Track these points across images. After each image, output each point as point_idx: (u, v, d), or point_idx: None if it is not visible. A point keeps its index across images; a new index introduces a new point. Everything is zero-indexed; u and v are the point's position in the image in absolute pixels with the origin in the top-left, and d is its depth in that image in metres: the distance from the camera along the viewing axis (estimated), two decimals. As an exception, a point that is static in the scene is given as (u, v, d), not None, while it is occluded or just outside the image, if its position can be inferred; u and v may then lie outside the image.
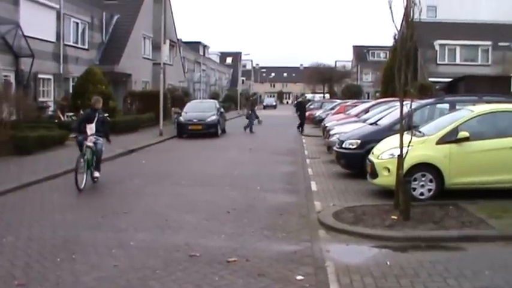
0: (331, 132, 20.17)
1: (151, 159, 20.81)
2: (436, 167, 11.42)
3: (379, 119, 17.17)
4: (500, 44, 46.57)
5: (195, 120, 30.88)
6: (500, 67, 43.94)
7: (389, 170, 11.42)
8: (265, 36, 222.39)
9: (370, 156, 12.68)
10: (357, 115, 24.37)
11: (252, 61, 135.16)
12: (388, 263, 7.62)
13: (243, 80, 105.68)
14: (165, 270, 7.44)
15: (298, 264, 7.67)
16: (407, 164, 10.41)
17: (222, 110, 35.47)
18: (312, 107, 48.67)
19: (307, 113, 44.30)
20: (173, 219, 10.50)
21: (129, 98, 37.97)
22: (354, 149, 15.02)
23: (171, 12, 52.11)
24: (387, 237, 8.79)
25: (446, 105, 15.56)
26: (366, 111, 23.88)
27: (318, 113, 39.35)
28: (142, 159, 20.86)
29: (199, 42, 79.02)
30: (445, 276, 7.00)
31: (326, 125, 24.33)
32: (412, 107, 10.44)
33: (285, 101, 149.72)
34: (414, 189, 11.24)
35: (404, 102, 10.02)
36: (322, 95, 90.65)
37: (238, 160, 20.44)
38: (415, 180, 11.30)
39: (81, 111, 22.33)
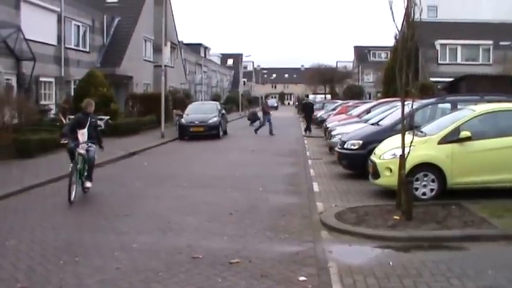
0: (333, 133, 20.17)
1: (153, 162, 20.81)
2: (438, 166, 11.42)
3: (381, 120, 17.17)
4: (502, 43, 46.54)
5: (196, 122, 30.87)
6: (502, 66, 43.90)
7: (391, 170, 11.43)
8: (266, 37, 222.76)
9: (372, 157, 12.68)
10: (358, 115, 24.35)
11: (253, 62, 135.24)
12: (390, 263, 7.61)
13: (244, 82, 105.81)
14: (168, 272, 7.43)
15: (300, 265, 7.67)
16: (409, 164, 10.41)
17: (223, 111, 35.46)
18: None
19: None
20: (175, 221, 10.50)
21: (130, 101, 37.98)
22: (355, 149, 15.02)
23: (172, 15, 52.15)
24: (390, 238, 8.79)
25: (448, 105, 15.55)
26: (368, 111, 23.86)
27: (320, 113, 39.30)
28: (144, 161, 20.86)
29: (200, 44, 79.03)
30: (448, 276, 6.99)
31: (328, 125, 24.31)
32: (414, 107, 10.43)
33: (286, 102, 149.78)
34: (416, 189, 11.24)
35: (405, 102, 10.02)
36: (323, 95, 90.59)
37: (240, 161, 20.43)
38: (417, 180, 11.31)
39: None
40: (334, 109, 36.45)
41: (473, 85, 24.28)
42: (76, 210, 11.51)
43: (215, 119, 31.42)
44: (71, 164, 12.65)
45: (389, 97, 27.98)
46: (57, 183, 14.97)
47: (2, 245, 8.85)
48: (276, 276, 7.23)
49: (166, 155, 23.59)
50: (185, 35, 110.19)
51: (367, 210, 10.45)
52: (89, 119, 13.15)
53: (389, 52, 61.24)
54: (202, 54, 77.67)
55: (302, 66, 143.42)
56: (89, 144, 12.99)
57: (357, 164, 14.77)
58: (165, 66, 34.64)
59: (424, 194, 11.47)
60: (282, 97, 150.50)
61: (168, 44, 44.25)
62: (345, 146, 15.45)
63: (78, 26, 34.73)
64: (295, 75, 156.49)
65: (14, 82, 26.33)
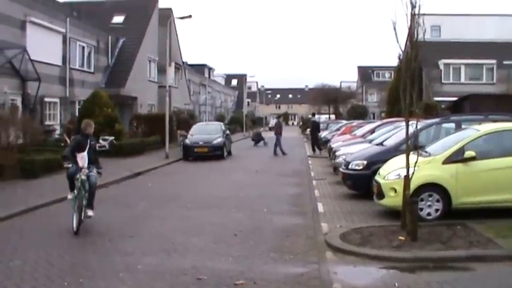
0: (337, 153, 20.17)
1: (157, 182, 20.82)
2: (443, 187, 11.40)
3: (385, 140, 17.16)
4: (505, 62, 46.61)
5: (201, 143, 30.90)
6: (505, 85, 43.94)
7: (395, 191, 11.41)
8: (270, 58, 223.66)
9: (377, 177, 12.66)
10: (362, 136, 24.34)
11: (257, 83, 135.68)
12: (396, 284, 7.58)
13: (248, 102, 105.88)
14: (173, 293, 7.41)
15: (305, 287, 7.65)
16: (413, 185, 10.39)
17: (227, 132, 35.51)
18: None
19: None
20: (180, 242, 10.48)
21: (135, 121, 38.07)
22: (360, 170, 15.00)
23: (176, 35, 52.44)
24: (395, 258, 8.75)
25: (452, 125, 15.55)
26: (372, 131, 23.85)
27: (324, 134, 39.28)
28: (148, 182, 20.87)
29: (204, 65, 79.33)
30: (454, 297, 6.96)
31: (332, 146, 24.31)
32: (418, 127, 10.43)
33: (290, 122, 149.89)
34: (421, 209, 11.21)
35: (409, 122, 10.03)
36: (327, 115, 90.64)
37: (244, 182, 20.42)
38: (421, 200, 11.28)
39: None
40: (338, 129, 36.44)
41: (477, 104, 24.25)
42: (80, 231, 11.49)
43: (219, 140, 31.47)
44: (70, 196, 11.86)
45: (393, 117, 27.99)
46: (61, 203, 14.94)
47: (7, 266, 8.84)
48: (281, 298, 7.20)
49: (170, 175, 23.59)
50: (189, 56, 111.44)
51: (372, 230, 10.42)
52: (89, 141, 12.09)
53: (393, 72, 61.35)
54: (206, 75, 77.92)
55: (306, 86, 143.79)
56: (90, 168, 11.92)
57: (361, 184, 14.74)
58: (170, 86, 34.72)
59: (429, 214, 11.43)
60: (286, 117, 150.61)
61: (173, 64, 44.40)
62: (350, 167, 15.43)
63: (83, 47, 34.94)
64: (299, 96, 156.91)
65: (19, 102, 26.43)
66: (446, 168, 11.50)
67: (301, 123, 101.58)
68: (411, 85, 9.78)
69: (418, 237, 9.42)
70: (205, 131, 32.90)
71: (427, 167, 11.46)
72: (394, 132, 17.55)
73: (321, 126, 47.60)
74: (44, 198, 15.57)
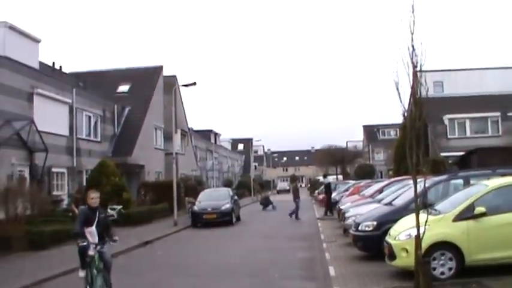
0: (347, 215, 20.05)
1: (167, 251, 20.67)
2: (455, 244, 11.25)
3: (394, 199, 17.07)
4: (510, 114, 46.81)
5: (209, 209, 30.80)
6: (511, 137, 44.01)
7: (407, 251, 11.25)
8: (275, 121, 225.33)
9: (387, 238, 12.52)
10: (371, 195, 24.24)
11: (263, 146, 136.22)
12: None
13: (255, 166, 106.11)
14: None
15: None
16: (425, 244, 10.25)
17: (235, 197, 35.45)
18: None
19: (320, 196, 44.01)
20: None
21: (142, 189, 38.09)
22: (370, 231, 14.85)
23: (182, 102, 52.95)
24: (410, 321, 8.56)
25: (460, 181, 15.47)
26: (380, 191, 23.76)
27: (332, 195, 39.13)
28: (158, 250, 20.73)
29: (210, 131, 79.80)
30: None
31: (341, 207, 24.19)
32: (426, 184, 10.37)
33: (298, 185, 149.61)
34: (434, 268, 11.04)
35: (417, 180, 9.96)
36: (335, 176, 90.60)
37: (254, 248, 20.25)
38: (434, 259, 11.11)
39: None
40: (346, 190, 36.28)
41: (485, 158, 24.15)
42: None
43: (228, 206, 31.38)
44: (81, 274, 10.83)
45: (400, 175, 27.91)
46: (70, 275, 14.79)
47: None
48: None
49: (180, 243, 23.42)
50: (195, 122, 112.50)
51: (385, 292, 10.23)
52: (98, 214, 10.91)
53: (398, 129, 61.53)
54: (212, 141, 78.31)
55: (312, 148, 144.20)
56: (101, 244, 10.79)
57: (372, 245, 14.57)
58: (176, 153, 34.86)
59: (442, 273, 11.25)
60: (293, 180, 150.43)
61: (179, 131, 44.72)
62: (359, 228, 15.29)
63: (90, 117, 35.25)
64: (305, 158, 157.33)
65: (26, 173, 26.51)
66: (457, 225, 11.38)
67: (309, 185, 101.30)
68: (417, 144, 9.77)
69: (432, 297, 9.23)
70: (213, 197, 32.85)
71: (438, 226, 11.33)
72: (403, 191, 17.47)
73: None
74: (52, 270, 15.43)
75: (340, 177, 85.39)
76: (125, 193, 30.41)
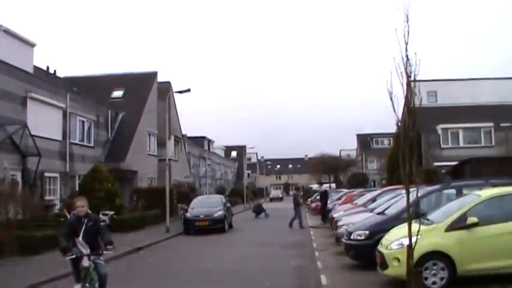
0: (339, 224, 20.06)
1: (159, 257, 20.60)
2: (447, 254, 11.26)
3: (387, 208, 17.10)
4: (502, 124, 46.90)
5: (201, 216, 30.76)
6: (504, 148, 44.20)
7: (399, 260, 11.26)
8: (269, 128, 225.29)
9: (379, 247, 12.52)
10: (364, 204, 24.26)
11: (256, 154, 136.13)
12: None
13: (248, 174, 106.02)
14: None
15: None
16: (417, 253, 10.25)
17: (228, 204, 35.40)
18: (318, 197, 48.43)
19: (313, 205, 44.06)
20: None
21: (135, 195, 37.98)
22: (362, 240, 14.86)
23: (176, 108, 52.93)
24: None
25: (453, 191, 15.51)
26: (373, 200, 23.80)
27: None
28: (149, 257, 20.64)
29: (204, 137, 79.74)
30: None
31: (333, 216, 24.20)
32: (419, 194, 10.38)
33: (291, 193, 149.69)
34: (426, 278, 11.06)
35: (410, 189, 9.97)
36: (328, 184, 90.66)
37: (246, 255, 20.22)
38: (426, 269, 11.13)
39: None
40: (339, 198, 36.31)
41: (478, 168, 24.26)
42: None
43: (220, 213, 31.35)
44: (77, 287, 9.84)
45: (393, 184, 27.95)
46: (61, 280, 14.73)
47: None
48: None
49: (172, 250, 23.37)
50: (189, 129, 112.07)
51: (377, 301, 10.22)
52: (85, 222, 9.96)
53: (391, 139, 61.65)
54: (206, 147, 78.26)
55: (306, 156, 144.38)
56: (94, 257, 9.82)
57: (364, 254, 14.58)
58: (170, 160, 34.82)
59: (434, 283, 11.24)
60: (286, 188, 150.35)
61: (172, 137, 44.66)
62: (352, 237, 15.29)
63: (83, 122, 35.16)
64: (299, 166, 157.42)
65: (19, 178, 26.42)
66: (449, 235, 11.39)
67: (301, 193, 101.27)
68: (410, 153, 9.78)
69: (424, 307, 9.23)
70: (206, 204, 32.80)
71: (430, 235, 11.34)
72: (395, 200, 17.50)
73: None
74: (43, 275, 15.30)
75: (333, 185, 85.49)
76: (117, 199, 30.34)
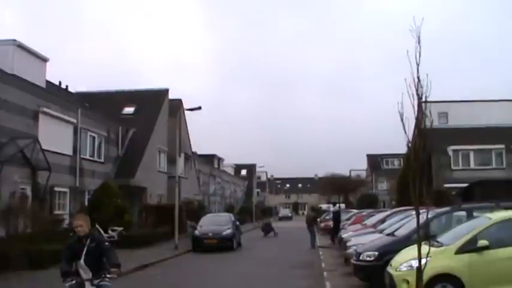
0: (348, 244, 19.96)
1: (166, 275, 20.56)
2: (457, 277, 11.15)
3: (396, 229, 16.99)
4: (513, 146, 46.82)
5: (210, 234, 30.72)
6: (515, 170, 44.02)
7: (408, 282, 11.16)
8: (279, 147, 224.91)
9: (388, 268, 12.43)
10: (373, 225, 24.16)
11: (266, 173, 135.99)
12: None
13: (258, 192, 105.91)
14: None
15: None
16: (426, 276, 10.16)
17: (237, 223, 35.37)
18: (327, 217, 48.28)
19: (322, 224, 43.87)
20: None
21: (144, 212, 37.98)
22: (371, 261, 14.75)
23: (186, 126, 53.02)
24: None
25: (463, 213, 15.39)
26: (383, 221, 23.70)
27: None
28: (157, 274, 20.60)
29: (213, 155, 79.81)
30: None
31: (343, 236, 24.09)
32: (429, 216, 10.30)
33: (300, 212, 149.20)
34: (435, 301, 10.93)
35: (420, 211, 9.90)
36: (337, 205, 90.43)
37: (254, 275, 20.13)
38: (435, 291, 11.01)
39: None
40: (348, 219, 36.17)
41: (488, 190, 24.08)
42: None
43: (229, 231, 31.30)
44: None
45: (403, 205, 27.81)
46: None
47: None
48: None
49: (180, 267, 23.31)
50: (199, 146, 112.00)
51: (385, 323, 10.13)
52: (87, 243, 8.72)
53: (402, 159, 61.46)
54: (215, 165, 78.32)
55: (315, 175, 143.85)
56: (98, 280, 8.60)
57: (373, 276, 14.44)
58: (179, 177, 34.84)
59: (443, 305, 11.14)
60: (295, 207, 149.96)
61: (182, 155, 44.74)
62: (361, 258, 15.18)
63: (94, 137, 35.26)
64: (308, 185, 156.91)
65: (28, 191, 26.47)
66: (459, 258, 11.29)
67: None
68: (420, 175, 9.72)
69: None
70: (215, 222, 32.78)
71: (440, 258, 11.25)
72: (405, 221, 17.39)
73: (331, 215, 47.21)
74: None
75: (343, 205, 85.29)
76: (126, 215, 30.37)
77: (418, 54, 9.56)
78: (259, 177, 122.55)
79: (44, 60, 31.04)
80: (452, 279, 11.18)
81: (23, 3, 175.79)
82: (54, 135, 29.14)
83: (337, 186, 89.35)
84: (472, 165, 47.10)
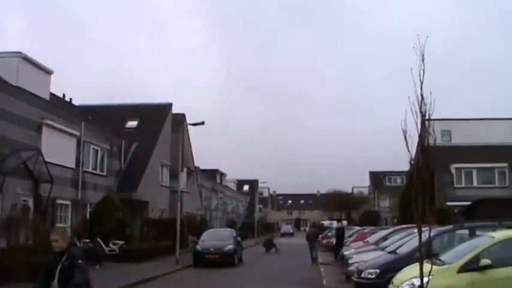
0: (350, 261, 19.91)
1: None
2: (459, 296, 11.08)
3: (398, 247, 16.94)
4: (517, 165, 46.80)
5: (211, 249, 30.64)
6: (518, 188, 43.98)
7: (410, 300, 11.10)
8: (281, 163, 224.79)
9: (390, 286, 12.35)
10: (375, 243, 24.09)
11: (268, 189, 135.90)
12: None
13: (260, 208, 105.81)
14: None
15: None
16: (428, 294, 10.10)
17: (239, 238, 35.30)
18: (329, 234, 48.17)
19: (324, 241, 43.73)
20: None
21: (146, 226, 37.92)
22: (373, 278, 14.68)
23: (189, 141, 53.11)
24: None
25: (466, 231, 15.34)
26: (385, 238, 23.64)
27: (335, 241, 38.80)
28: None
29: (216, 170, 79.82)
30: None
31: (344, 253, 24.02)
32: (431, 234, 10.26)
33: (302, 228, 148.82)
34: (437, 320, 10.85)
35: (422, 229, 9.87)
36: (341, 221, 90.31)
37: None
38: (437, 310, 10.93)
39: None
40: (350, 236, 36.06)
41: (491, 209, 24.02)
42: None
43: (230, 247, 31.22)
44: None
45: (405, 223, 27.75)
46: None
47: None
48: None
49: (180, 283, 23.21)
50: (201, 161, 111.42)
51: None
52: (61, 261, 7.97)
53: (404, 177, 61.40)
54: (218, 180, 78.28)
55: (318, 192, 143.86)
56: None
57: (374, 293, 14.39)
58: (182, 192, 34.81)
59: (445, 325, 11.06)
60: (297, 223, 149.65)
61: (185, 170, 44.76)
62: (362, 275, 15.11)
63: (97, 150, 35.27)
64: (310, 201, 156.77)
65: (30, 203, 26.43)
66: (461, 277, 11.22)
67: (313, 228, 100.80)
68: (423, 193, 9.69)
69: None
70: (217, 237, 32.70)
71: (442, 276, 11.17)
72: (407, 239, 17.34)
73: (333, 232, 47.08)
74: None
75: (345, 222, 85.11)
76: (128, 229, 30.32)
77: (422, 72, 9.57)
78: (261, 193, 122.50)
79: (49, 72, 31.13)
80: (455, 298, 11.11)
81: (29, 15, 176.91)
82: (57, 148, 29.16)
83: (340, 203, 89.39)
84: (475, 184, 47.09)
